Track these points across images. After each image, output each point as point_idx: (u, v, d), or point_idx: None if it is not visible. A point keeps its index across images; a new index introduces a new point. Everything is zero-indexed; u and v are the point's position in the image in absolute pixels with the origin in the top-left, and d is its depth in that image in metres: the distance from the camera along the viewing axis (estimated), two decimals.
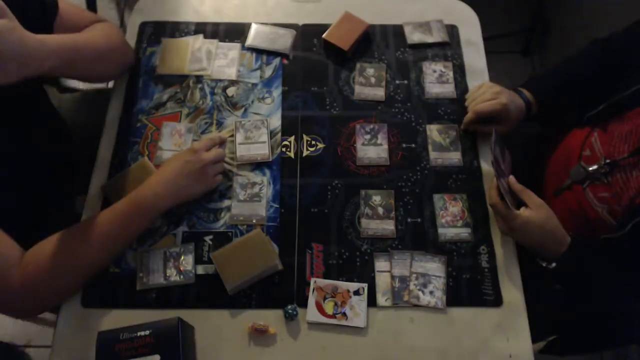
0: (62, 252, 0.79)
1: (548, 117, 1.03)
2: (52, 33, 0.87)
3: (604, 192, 0.86)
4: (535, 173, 1.04)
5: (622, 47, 0.94)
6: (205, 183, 0.91)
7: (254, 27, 1.12)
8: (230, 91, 1.05)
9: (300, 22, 1.14)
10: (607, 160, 0.85)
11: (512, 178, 0.86)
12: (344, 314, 0.83)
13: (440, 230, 0.91)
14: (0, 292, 0.76)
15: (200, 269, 0.87)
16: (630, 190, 0.81)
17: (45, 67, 0.75)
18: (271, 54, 1.10)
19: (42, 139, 0.97)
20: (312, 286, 0.85)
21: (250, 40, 1.10)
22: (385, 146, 0.99)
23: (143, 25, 1.13)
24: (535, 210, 0.82)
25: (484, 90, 0.98)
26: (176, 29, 1.12)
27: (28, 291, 0.77)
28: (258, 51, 1.10)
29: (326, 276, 0.87)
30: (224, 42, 1.11)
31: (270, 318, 0.83)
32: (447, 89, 1.06)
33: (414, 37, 1.12)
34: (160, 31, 1.12)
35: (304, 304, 0.84)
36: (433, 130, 1.01)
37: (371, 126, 1.01)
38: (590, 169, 0.88)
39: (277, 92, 1.05)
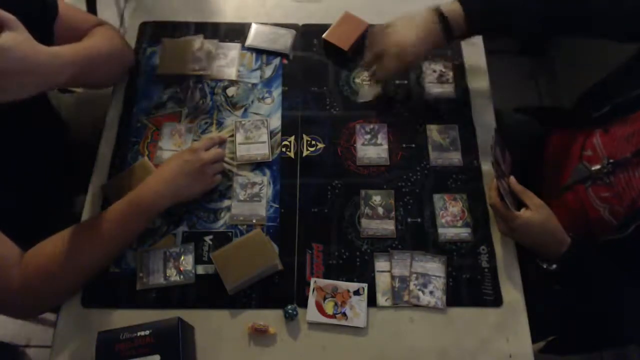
0: (62, 253, 0.79)
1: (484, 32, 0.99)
2: (52, 35, 0.87)
3: (605, 192, 0.86)
4: (535, 173, 1.04)
5: None
6: (204, 182, 0.91)
7: (254, 27, 1.12)
8: (230, 91, 1.05)
9: (300, 22, 1.14)
10: (611, 160, 0.85)
11: (512, 179, 0.86)
12: (344, 314, 0.83)
13: (440, 230, 0.91)
14: (0, 293, 0.76)
15: (200, 269, 0.87)
16: (633, 191, 0.81)
17: (59, 81, 0.74)
18: (271, 54, 1.09)
19: (42, 139, 0.97)
20: (312, 286, 0.85)
21: (250, 40, 1.10)
22: (385, 146, 0.99)
23: (143, 25, 1.13)
24: (535, 211, 0.82)
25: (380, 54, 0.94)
26: (176, 29, 1.12)
27: (28, 292, 0.77)
28: (258, 51, 1.10)
29: (326, 276, 0.87)
30: (224, 42, 1.11)
31: (270, 318, 0.83)
32: (447, 89, 1.06)
33: None
34: (160, 31, 1.12)
35: (304, 304, 0.84)
36: (433, 130, 1.01)
37: (371, 126, 1.01)
38: (594, 168, 0.88)
39: (277, 92, 1.05)
